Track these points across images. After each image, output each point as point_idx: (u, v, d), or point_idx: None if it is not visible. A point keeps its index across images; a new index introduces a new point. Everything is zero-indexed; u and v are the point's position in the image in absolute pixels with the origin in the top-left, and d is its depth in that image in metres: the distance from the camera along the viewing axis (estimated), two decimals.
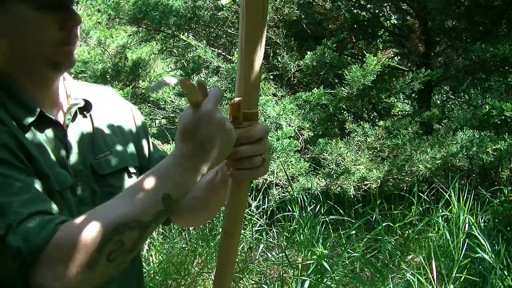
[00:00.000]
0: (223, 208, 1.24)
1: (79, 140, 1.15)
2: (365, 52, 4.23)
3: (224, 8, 4.79)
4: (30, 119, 1.05)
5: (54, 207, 0.96)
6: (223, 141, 0.94)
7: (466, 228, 3.40)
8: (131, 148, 1.25)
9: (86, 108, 1.18)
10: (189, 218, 1.35)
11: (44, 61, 1.06)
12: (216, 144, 0.93)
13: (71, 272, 0.85)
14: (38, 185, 0.97)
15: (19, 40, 1.04)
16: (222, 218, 3.76)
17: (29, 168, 0.98)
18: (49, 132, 1.09)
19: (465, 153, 3.80)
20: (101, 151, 1.17)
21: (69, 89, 1.18)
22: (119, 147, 1.22)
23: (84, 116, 1.18)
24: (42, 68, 1.07)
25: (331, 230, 3.75)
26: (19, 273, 0.86)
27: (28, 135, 1.04)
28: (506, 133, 3.83)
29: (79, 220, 0.89)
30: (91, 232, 0.86)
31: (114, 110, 1.26)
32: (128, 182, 1.20)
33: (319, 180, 3.95)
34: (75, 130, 1.15)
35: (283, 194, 3.95)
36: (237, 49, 4.54)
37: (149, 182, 0.91)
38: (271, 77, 4.59)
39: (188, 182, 0.94)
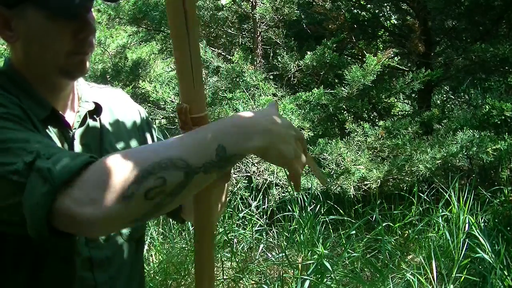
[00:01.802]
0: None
1: (86, 143, 1.14)
2: (365, 52, 4.23)
3: (224, 8, 4.79)
4: (43, 114, 1.06)
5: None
6: (281, 151, 0.89)
7: (466, 228, 3.40)
8: None
9: (96, 111, 1.18)
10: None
11: (55, 69, 1.06)
12: (275, 146, 0.89)
13: (106, 199, 0.80)
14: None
15: (31, 45, 1.05)
16: (223, 218, 3.77)
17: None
18: (58, 132, 1.10)
19: (465, 153, 3.80)
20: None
21: (81, 92, 1.19)
22: None
23: (94, 120, 1.18)
24: (54, 74, 1.07)
25: (331, 230, 3.75)
26: (46, 200, 0.81)
27: (42, 129, 1.05)
28: (506, 133, 3.83)
29: (119, 152, 0.85)
30: (134, 162, 0.82)
31: (123, 113, 1.26)
32: None
33: (319, 180, 3.94)
34: (83, 133, 1.15)
35: (283, 194, 3.95)
36: (237, 49, 4.55)
37: (206, 131, 0.87)
38: (271, 77, 4.59)
39: (241, 144, 0.87)
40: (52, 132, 1.09)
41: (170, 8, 0.90)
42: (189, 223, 3.75)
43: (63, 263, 1.07)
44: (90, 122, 1.17)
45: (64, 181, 0.81)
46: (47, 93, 1.10)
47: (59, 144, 1.08)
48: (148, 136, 1.30)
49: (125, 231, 1.20)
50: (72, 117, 1.15)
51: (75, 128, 1.13)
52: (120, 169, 0.81)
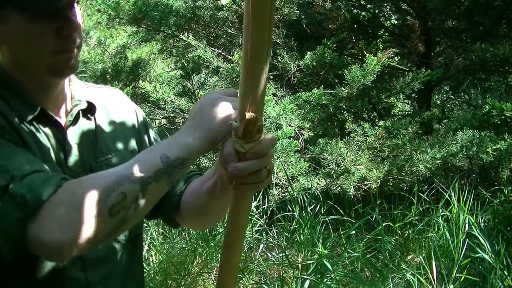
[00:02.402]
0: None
1: (79, 143, 1.14)
2: (365, 52, 4.23)
3: (224, 8, 4.78)
4: (31, 115, 1.06)
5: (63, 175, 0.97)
6: (219, 125, 0.98)
7: (466, 228, 3.40)
8: (133, 151, 1.24)
9: (89, 110, 1.18)
10: (194, 222, 1.36)
11: (43, 69, 1.06)
12: (213, 125, 0.98)
13: (74, 224, 0.85)
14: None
15: (16, 48, 1.06)
16: (223, 219, 3.76)
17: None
18: (48, 132, 1.10)
19: (465, 153, 3.79)
20: (102, 155, 1.17)
21: (74, 91, 1.18)
22: (121, 151, 1.21)
23: (88, 119, 1.18)
24: (42, 74, 1.08)
25: (331, 230, 3.75)
26: (20, 225, 0.85)
27: (28, 129, 1.05)
28: (506, 133, 3.82)
29: (83, 178, 0.92)
30: (95, 185, 0.88)
31: (119, 112, 1.25)
32: None
33: (319, 180, 3.95)
34: (76, 132, 1.15)
35: (283, 194, 3.94)
36: (237, 49, 4.54)
37: (148, 149, 1.02)
38: (271, 77, 4.58)
39: (183, 144, 0.97)
40: (42, 132, 1.08)
41: (254, 18, 0.87)
42: None
43: (52, 264, 1.06)
44: (84, 121, 1.17)
45: (36, 208, 0.85)
46: (37, 93, 1.10)
47: (49, 145, 1.08)
48: (145, 137, 1.29)
49: None
50: (64, 116, 1.15)
51: (67, 128, 1.13)
52: (84, 193, 0.87)
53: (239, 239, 1.03)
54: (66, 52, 1.06)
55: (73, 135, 1.14)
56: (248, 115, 0.91)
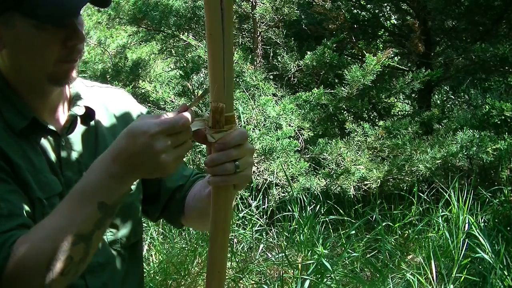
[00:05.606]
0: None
1: (78, 149, 1.13)
2: (365, 52, 4.23)
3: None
4: (21, 125, 1.05)
5: (22, 220, 0.97)
6: (156, 169, 0.93)
7: (466, 228, 3.40)
8: None
9: (88, 116, 1.16)
10: (197, 224, 1.37)
11: (43, 76, 1.05)
12: (148, 170, 0.93)
13: None
14: (15, 193, 0.99)
15: (19, 54, 1.04)
16: None
17: (7, 173, 0.99)
18: (42, 139, 1.08)
19: (465, 153, 3.79)
20: None
21: (74, 91, 1.16)
22: None
23: (87, 124, 1.16)
24: (41, 81, 1.06)
25: (331, 230, 3.75)
26: None
27: (18, 140, 1.04)
28: (506, 133, 3.83)
29: (27, 241, 0.92)
30: (39, 255, 0.90)
31: (121, 114, 1.23)
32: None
33: (319, 180, 3.95)
34: (74, 139, 1.13)
35: (283, 194, 3.94)
36: (237, 49, 4.54)
37: (83, 193, 0.93)
38: (271, 77, 4.58)
39: (120, 190, 0.95)
40: (34, 141, 1.07)
41: (207, 7, 0.92)
42: None
43: None
44: (83, 127, 1.15)
45: None
46: (32, 99, 1.08)
47: (42, 155, 1.07)
48: None
49: (118, 237, 1.18)
50: (61, 121, 1.13)
51: (62, 135, 1.11)
52: (31, 265, 0.90)
53: (218, 234, 1.02)
54: (70, 62, 1.05)
55: (70, 142, 1.12)
56: (213, 104, 0.94)
